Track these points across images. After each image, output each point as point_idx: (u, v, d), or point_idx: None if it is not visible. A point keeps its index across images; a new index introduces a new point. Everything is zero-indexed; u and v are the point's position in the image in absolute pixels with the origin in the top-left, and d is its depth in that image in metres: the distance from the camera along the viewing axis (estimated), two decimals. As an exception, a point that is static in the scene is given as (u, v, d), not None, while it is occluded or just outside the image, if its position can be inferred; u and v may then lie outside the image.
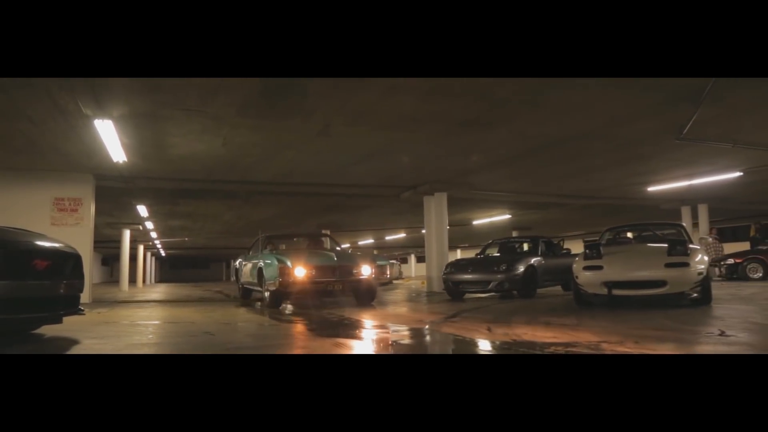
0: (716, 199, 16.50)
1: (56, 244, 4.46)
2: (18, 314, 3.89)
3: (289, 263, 7.53)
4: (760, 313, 5.58)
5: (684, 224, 7.87)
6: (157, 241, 28.15)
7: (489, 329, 4.69)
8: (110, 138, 7.28)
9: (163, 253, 37.39)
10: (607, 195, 15.09)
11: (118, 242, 21.39)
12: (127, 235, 20.82)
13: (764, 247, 14.08)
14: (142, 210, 15.61)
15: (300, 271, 7.52)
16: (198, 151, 8.67)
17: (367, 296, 8.33)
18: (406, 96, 6.28)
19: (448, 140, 8.38)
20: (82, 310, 4.62)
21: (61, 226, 9.92)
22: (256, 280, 8.80)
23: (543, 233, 18.14)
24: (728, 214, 20.88)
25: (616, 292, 6.34)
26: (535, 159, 9.96)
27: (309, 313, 7.12)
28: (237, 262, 11.43)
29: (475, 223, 21.10)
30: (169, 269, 52.17)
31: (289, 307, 8.21)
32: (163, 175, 10.71)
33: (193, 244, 30.71)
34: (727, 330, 4.17)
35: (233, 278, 11.85)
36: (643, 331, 4.30)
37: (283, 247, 10.03)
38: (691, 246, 6.69)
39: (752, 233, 15.81)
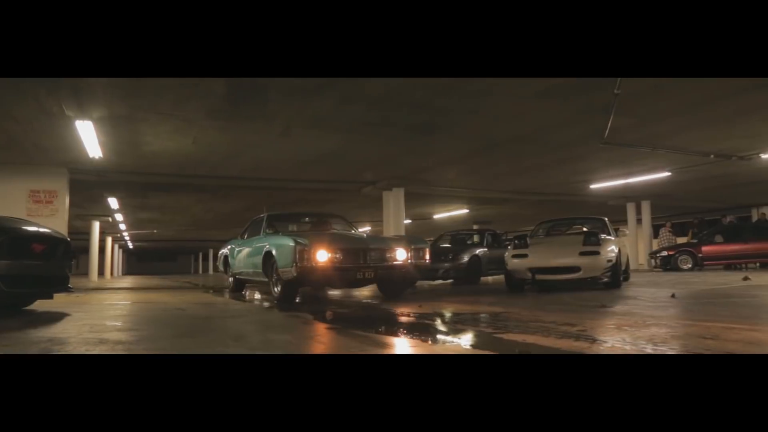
0: (657, 197, 17.81)
1: (50, 231, 5.20)
2: (19, 289, 4.64)
3: (309, 245, 5.86)
4: (653, 293, 6.60)
5: (606, 219, 8.88)
6: (125, 233, 28.46)
7: (420, 305, 5.58)
8: (88, 136, 7.97)
9: (130, 245, 37.54)
10: (556, 191, 16.20)
11: (86, 234, 21.74)
12: (96, 227, 21.21)
13: (694, 241, 15.41)
14: (113, 202, 16.15)
15: (323, 255, 5.87)
16: (169, 148, 9.38)
17: (399, 286, 7.04)
18: (358, 105, 7.15)
19: (399, 142, 9.29)
20: (71, 288, 5.37)
21: (36, 217, 10.44)
22: (259, 269, 6.99)
23: (502, 227, 19.31)
24: (672, 210, 22.32)
25: (539, 276, 7.34)
26: (481, 159, 10.94)
27: (340, 312, 5.28)
28: (226, 249, 9.31)
29: (435, 217, 22.12)
30: (136, 262, 52.05)
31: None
32: (135, 169, 11.33)
33: (161, 237, 31.05)
34: (609, 303, 5.15)
35: (220, 268, 9.83)
36: (541, 305, 5.26)
37: (294, 228, 8.32)
38: (603, 237, 7.70)
39: (689, 238, 16.99)
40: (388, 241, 6.75)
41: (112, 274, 31.08)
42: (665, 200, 18.47)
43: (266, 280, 6.81)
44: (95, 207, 17.70)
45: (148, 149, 9.44)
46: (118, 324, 4.17)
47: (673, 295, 5.78)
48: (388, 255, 6.39)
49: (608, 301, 5.52)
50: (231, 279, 8.91)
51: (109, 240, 28.61)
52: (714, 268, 14.48)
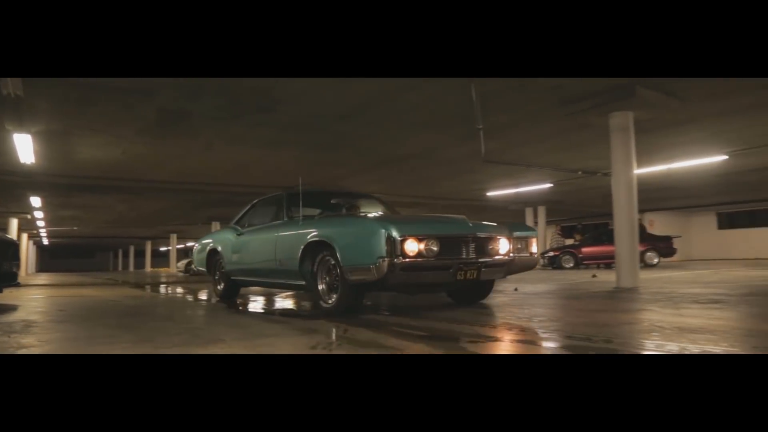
0: (550, 203, 20.02)
1: (2, 235, 6.18)
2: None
3: (396, 232, 3.90)
4: (505, 286, 8.20)
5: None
6: (43, 230, 28.13)
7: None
8: (24, 147, 8.77)
9: (45, 241, 36.72)
10: (460, 197, 17.98)
11: (2, 230, 21.64)
12: (14, 224, 21.20)
13: (577, 243, 17.61)
14: (36, 201, 16.48)
15: (413, 246, 3.94)
16: (99, 156, 10.25)
17: (482, 290, 5.25)
18: (269, 129, 8.44)
19: (308, 156, 10.64)
20: (20, 283, 6.35)
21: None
22: (292, 266, 4.84)
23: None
24: (569, 214, 24.81)
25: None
26: (384, 170, 12.42)
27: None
28: (211, 243, 6.83)
29: (354, 218, 23.53)
30: (50, 258, 50.45)
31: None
32: (63, 173, 12.02)
33: (80, 233, 30.81)
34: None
35: (197, 269, 7.39)
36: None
37: (319, 213, 5.58)
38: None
39: (574, 240, 19.03)
40: (492, 228, 4.59)
41: (26, 271, 30.49)
42: (559, 206, 20.71)
43: (300, 283, 4.84)
44: (15, 205, 17.92)
45: (79, 157, 10.27)
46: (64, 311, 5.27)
47: (515, 289, 7.38)
48: (491, 247, 4.45)
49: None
50: (220, 281, 6.56)
51: (24, 237, 28.13)
52: (593, 266, 16.66)
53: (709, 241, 26.16)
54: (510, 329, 3.41)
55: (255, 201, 6.46)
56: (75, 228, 27.30)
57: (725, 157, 11.54)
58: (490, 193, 16.67)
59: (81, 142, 9.16)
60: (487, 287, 5.25)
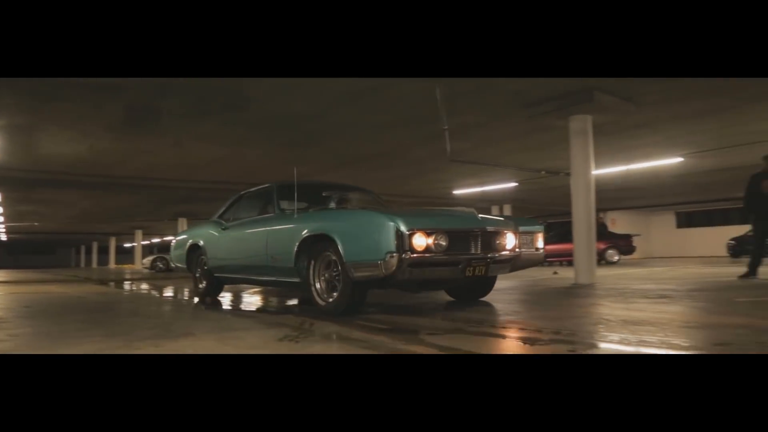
0: (516, 200, 20.44)
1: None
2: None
3: (404, 226, 3.67)
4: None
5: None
6: (1, 226, 27.42)
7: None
8: (-13, 141, 8.66)
9: (3, 237, 35.75)
10: (428, 195, 18.22)
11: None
12: (-28, 218, 20.65)
13: (540, 241, 17.98)
14: (-6, 195, 16.12)
15: (421, 240, 3.74)
16: (64, 151, 10.14)
17: (483, 288, 5.20)
18: (238, 126, 8.49)
19: (277, 154, 10.71)
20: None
21: None
22: (287, 263, 4.51)
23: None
24: (535, 212, 25.31)
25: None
26: (352, 169, 12.56)
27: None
28: (191, 238, 6.51)
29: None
30: (7, 254, 49.04)
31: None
32: (25, 167, 11.82)
33: (40, 229, 30.12)
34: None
35: (176, 265, 6.95)
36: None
37: (305, 207, 5.23)
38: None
39: None
40: (500, 222, 4.44)
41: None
42: (524, 204, 21.16)
43: (294, 280, 4.53)
44: (-28, 199, 17.49)
45: (43, 152, 10.13)
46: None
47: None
48: (499, 242, 4.27)
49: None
50: (201, 279, 6.18)
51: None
52: (556, 263, 17.08)
53: (669, 240, 27.05)
54: (468, 322, 3.60)
55: (240, 193, 6.14)
56: (36, 224, 26.68)
57: (680, 159, 12.03)
58: (456, 192, 16.97)
59: (45, 137, 9.06)
60: (490, 284, 5.17)
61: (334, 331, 3.32)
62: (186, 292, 7.61)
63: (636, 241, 18.27)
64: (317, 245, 4.25)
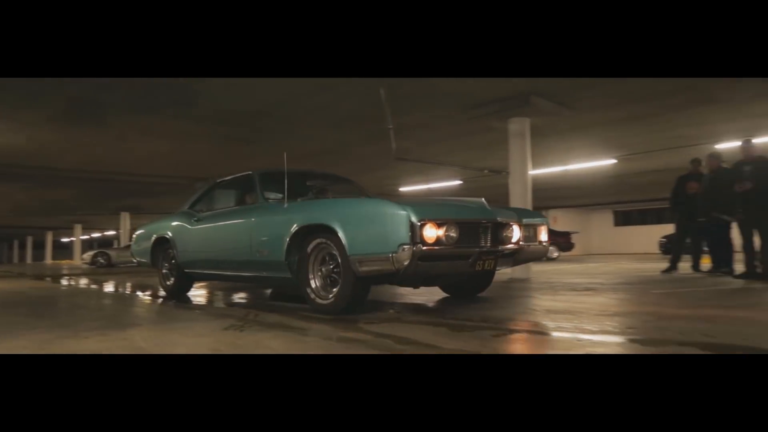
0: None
1: None
2: None
3: (415, 216, 3.36)
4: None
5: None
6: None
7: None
8: None
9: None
10: (375, 192, 18.41)
11: None
12: None
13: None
14: None
15: (432, 232, 3.43)
16: None
17: (481, 284, 4.93)
18: (185, 121, 8.47)
19: (224, 149, 10.72)
20: None
21: None
22: (277, 257, 4.11)
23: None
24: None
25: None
26: (299, 165, 12.54)
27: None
28: (155, 230, 6.03)
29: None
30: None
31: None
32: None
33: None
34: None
35: (138, 260, 6.41)
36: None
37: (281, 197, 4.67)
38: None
39: None
40: (508, 214, 4.20)
41: None
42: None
43: (284, 276, 4.15)
44: None
45: (-24, 142, 9.80)
46: None
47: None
48: (506, 234, 4.01)
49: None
50: (169, 275, 5.75)
51: None
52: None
53: (607, 237, 28.30)
54: (399, 311, 3.84)
55: (214, 182, 5.71)
56: (-34, 217, 25.49)
57: (614, 161, 12.69)
58: (403, 189, 17.29)
59: (-20, 128, 8.79)
60: (488, 279, 4.89)
61: (276, 321, 3.49)
62: (128, 286, 7.57)
63: (575, 239, 19.03)
64: (313, 237, 3.87)
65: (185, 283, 5.62)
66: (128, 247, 20.57)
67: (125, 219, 23.88)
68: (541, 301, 4.44)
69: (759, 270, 6.26)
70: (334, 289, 3.75)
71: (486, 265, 3.78)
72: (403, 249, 3.27)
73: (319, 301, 3.82)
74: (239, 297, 5.55)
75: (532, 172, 8.40)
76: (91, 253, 20.96)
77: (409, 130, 9.19)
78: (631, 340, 2.61)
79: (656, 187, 17.48)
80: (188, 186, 15.33)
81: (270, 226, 4.27)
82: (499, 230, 3.88)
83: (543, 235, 4.43)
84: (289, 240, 3.95)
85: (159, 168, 12.96)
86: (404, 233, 3.29)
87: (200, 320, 3.60)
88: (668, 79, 6.59)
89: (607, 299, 4.61)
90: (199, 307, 4.64)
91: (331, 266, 3.80)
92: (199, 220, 5.28)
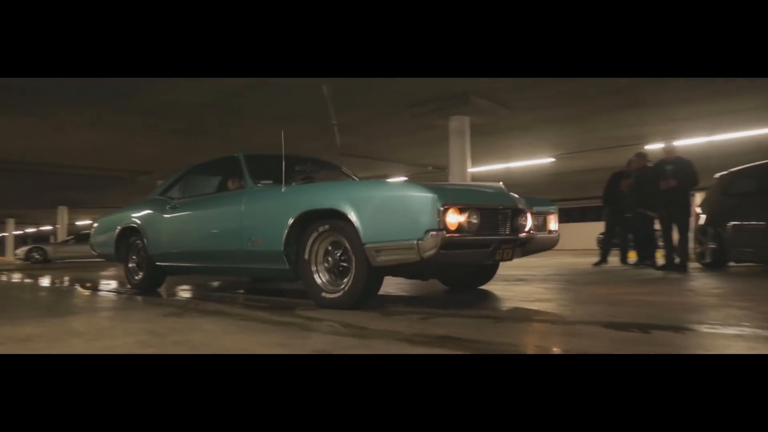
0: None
1: None
2: None
3: (440, 202, 3.06)
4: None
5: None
6: None
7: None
8: None
9: None
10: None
11: None
12: None
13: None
14: None
15: (454, 218, 3.13)
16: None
17: (485, 275, 4.72)
18: (127, 114, 8.39)
19: (169, 143, 10.64)
20: None
21: None
22: (275, 246, 3.68)
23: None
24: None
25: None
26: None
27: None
28: (119, 219, 5.47)
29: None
30: None
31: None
32: None
33: None
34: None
35: (97, 252, 5.89)
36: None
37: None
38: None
39: None
40: (526, 201, 3.87)
41: None
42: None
43: (280, 267, 3.75)
44: None
45: None
46: None
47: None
48: (521, 222, 3.71)
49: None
50: (138, 269, 5.26)
51: None
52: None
53: (549, 234, 29.16)
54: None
55: (190, 166, 5.24)
56: None
57: (552, 159, 13.23)
58: (351, 184, 17.45)
59: None
60: (493, 270, 4.65)
61: (216, 309, 3.59)
62: (66, 280, 7.45)
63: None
64: (316, 224, 3.50)
65: (156, 277, 5.10)
66: (66, 242, 19.95)
67: (63, 213, 23.13)
68: (465, 290, 4.68)
69: (677, 261, 6.74)
70: (343, 282, 3.39)
71: (505, 254, 3.51)
72: (432, 236, 2.97)
73: (325, 295, 3.44)
74: (184, 287, 5.58)
75: (474, 169, 8.74)
76: (25, 248, 20.20)
77: (354, 127, 9.36)
78: (542, 321, 2.85)
79: (595, 185, 18.18)
80: (131, 180, 15.04)
81: (265, 212, 3.86)
82: (516, 218, 3.61)
83: (553, 224, 4.18)
84: (290, 227, 3.56)
85: (100, 160, 12.68)
86: (433, 218, 2.98)
87: (141, 308, 3.67)
88: (599, 82, 7.01)
89: (534, 288, 4.89)
90: (146, 296, 4.66)
91: (339, 256, 3.43)
92: (175, 208, 4.79)
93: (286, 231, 3.55)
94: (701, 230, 7.43)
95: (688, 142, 10.41)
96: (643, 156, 7.96)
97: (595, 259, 8.79)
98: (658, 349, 2.01)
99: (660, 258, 7.36)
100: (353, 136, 9.96)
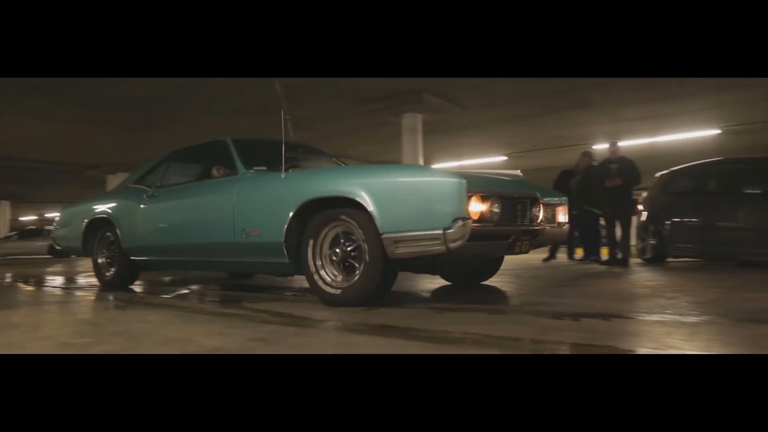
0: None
1: None
2: None
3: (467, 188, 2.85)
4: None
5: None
6: None
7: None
8: None
9: None
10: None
11: None
12: None
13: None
14: None
15: (477, 207, 2.96)
16: None
17: (492, 268, 4.37)
18: (72, 104, 8.19)
19: (117, 136, 10.42)
20: None
21: None
22: (275, 237, 3.30)
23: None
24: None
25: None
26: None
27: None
28: (87, 211, 4.94)
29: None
30: None
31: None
32: None
33: None
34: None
35: (61, 246, 5.42)
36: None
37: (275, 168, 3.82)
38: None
39: None
40: (544, 192, 3.74)
41: None
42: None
43: (280, 261, 3.38)
44: None
45: None
46: None
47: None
48: (536, 213, 3.53)
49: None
50: (110, 264, 4.75)
51: None
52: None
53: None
54: (281, 289, 4.03)
55: (170, 152, 4.71)
56: None
57: (505, 158, 13.52)
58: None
59: None
60: (498, 264, 4.32)
61: (160, 302, 3.57)
62: (8, 277, 7.22)
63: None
64: (320, 214, 3.17)
65: (130, 273, 4.64)
66: (9, 238, 19.20)
67: (5, 208, 22.26)
68: (425, 284, 4.78)
69: (619, 256, 7.01)
70: (354, 276, 3.07)
71: (522, 247, 3.31)
72: (460, 225, 2.70)
73: (332, 291, 3.11)
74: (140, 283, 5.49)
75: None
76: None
77: (308, 123, 9.36)
78: (479, 309, 2.96)
79: (545, 184, 18.69)
80: (79, 173, 14.61)
81: (262, 200, 3.48)
82: (533, 209, 3.44)
83: (561, 217, 3.90)
84: (292, 217, 3.20)
85: (45, 153, 12.29)
86: (461, 206, 2.73)
87: (85, 302, 3.61)
88: (547, 82, 7.22)
89: (494, 281, 5.03)
90: (94, 290, 4.58)
91: (348, 248, 3.12)
92: (153, 197, 4.33)
93: (288, 221, 3.21)
94: (643, 227, 7.74)
95: (632, 143, 10.81)
96: (588, 155, 8.23)
97: (545, 255, 9.05)
98: (583, 334, 2.13)
99: (605, 254, 7.63)
100: (307, 131, 9.94)
